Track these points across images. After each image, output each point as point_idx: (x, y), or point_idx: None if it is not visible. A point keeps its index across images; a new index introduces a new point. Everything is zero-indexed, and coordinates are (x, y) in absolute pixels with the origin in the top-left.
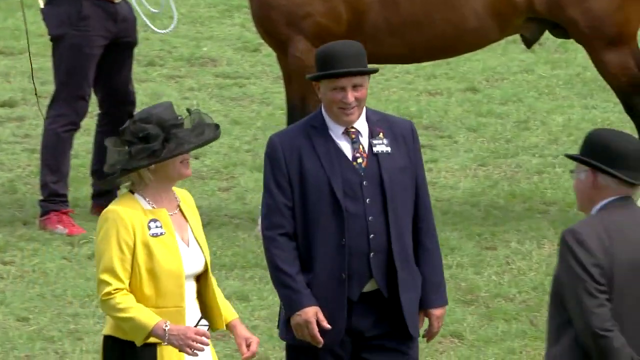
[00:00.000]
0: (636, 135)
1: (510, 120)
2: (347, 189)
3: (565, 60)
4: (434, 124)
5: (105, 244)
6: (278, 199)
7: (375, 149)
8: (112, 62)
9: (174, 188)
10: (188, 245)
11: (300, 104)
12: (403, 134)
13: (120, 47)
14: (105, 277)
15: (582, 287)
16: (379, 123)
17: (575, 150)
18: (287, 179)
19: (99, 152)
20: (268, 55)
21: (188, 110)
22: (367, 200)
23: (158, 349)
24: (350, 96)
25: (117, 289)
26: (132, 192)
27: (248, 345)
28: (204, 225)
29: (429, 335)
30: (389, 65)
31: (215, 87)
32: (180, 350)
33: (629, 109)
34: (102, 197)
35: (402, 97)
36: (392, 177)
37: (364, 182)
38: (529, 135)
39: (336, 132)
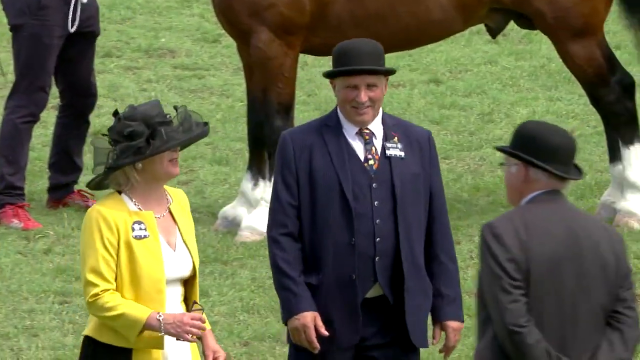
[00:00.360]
0: (602, 127)
1: (474, 113)
2: (356, 189)
3: (529, 52)
4: (396, 116)
5: (90, 244)
6: (283, 198)
7: (388, 152)
8: (73, 53)
9: (167, 187)
10: (174, 249)
11: (261, 96)
12: (419, 141)
13: (81, 37)
14: (91, 278)
15: (497, 283)
16: (394, 127)
17: None
18: (295, 177)
19: (58, 144)
20: (228, 46)
21: (175, 107)
22: (376, 202)
23: (133, 353)
24: (364, 95)
25: (104, 290)
26: (119, 192)
27: (215, 359)
28: None
29: (447, 349)
30: None
31: (173, 78)
32: (177, 339)
33: (595, 101)
34: (59, 191)
35: None
36: (403, 182)
37: (374, 185)
38: (493, 128)
39: (350, 132)
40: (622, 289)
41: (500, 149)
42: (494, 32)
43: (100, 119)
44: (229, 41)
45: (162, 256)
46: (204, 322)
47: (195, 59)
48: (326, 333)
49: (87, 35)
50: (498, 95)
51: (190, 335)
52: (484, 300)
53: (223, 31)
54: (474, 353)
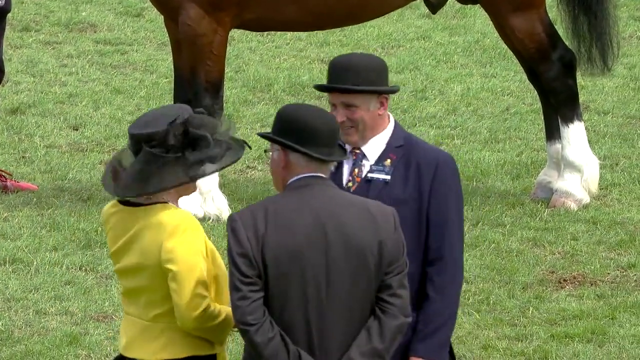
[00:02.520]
0: (538, 104)
1: (407, 90)
2: None
3: (463, 27)
4: (326, 94)
5: (199, 254)
6: None
7: (370, 175)
8: None
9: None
10: None
11: (189, 74)
12: (419, 163)
13: None
14: (201, 290)
15: (230, 279)
16: (397, 149)
17: (474, 120)
18: None
19: None
20: (151, 20)
21: (198, 111)
22: None
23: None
24: (340, 115)
25: (210, 301)
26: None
27: None
28: (85, 201)
29: None
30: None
31: (95, 53)
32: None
33: (534, 77)
34: None
35: (293, 65)
36: None
37: None
38: (426, 105)
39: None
40: (388, 275)
41: (261, 135)
42: (434, 7)
43: (19, 96)
44: (152, 15)
45: None
46: None
47: (117, 33)
48: None
49: None
50: (431, 71)
51: None
52: None
53: (146, 5)
54: None
